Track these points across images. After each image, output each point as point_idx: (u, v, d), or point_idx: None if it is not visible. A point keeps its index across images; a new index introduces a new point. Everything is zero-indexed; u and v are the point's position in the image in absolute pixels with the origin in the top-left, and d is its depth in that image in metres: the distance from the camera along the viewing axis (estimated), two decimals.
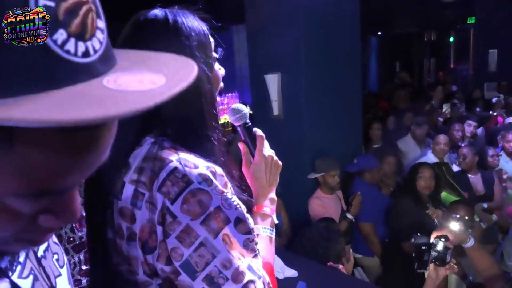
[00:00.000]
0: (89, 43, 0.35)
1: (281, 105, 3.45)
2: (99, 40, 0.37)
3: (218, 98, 0.94)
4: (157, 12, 0.86)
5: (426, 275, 1.91)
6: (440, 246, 1.80)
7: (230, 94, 9.56)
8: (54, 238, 0.63)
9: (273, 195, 1.04)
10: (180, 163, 0.75)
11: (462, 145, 4.14)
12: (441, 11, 9.26)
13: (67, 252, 1.16)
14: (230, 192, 0.80)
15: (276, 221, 1.03)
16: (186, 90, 0.88)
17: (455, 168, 3.90)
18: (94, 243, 0.90)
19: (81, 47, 0.35)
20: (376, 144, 4.29)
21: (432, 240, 1.83)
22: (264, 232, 0.97)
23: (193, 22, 0.86)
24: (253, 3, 3.65)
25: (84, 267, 1.02)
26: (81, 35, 0.35)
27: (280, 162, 1.05)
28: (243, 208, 0.81)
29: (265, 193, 1.02)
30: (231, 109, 1.02)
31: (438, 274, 1.82)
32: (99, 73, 0.36)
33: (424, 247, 1.82)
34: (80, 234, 1.23)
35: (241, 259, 0.76)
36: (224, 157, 0.88)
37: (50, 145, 0.34)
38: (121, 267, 0.85)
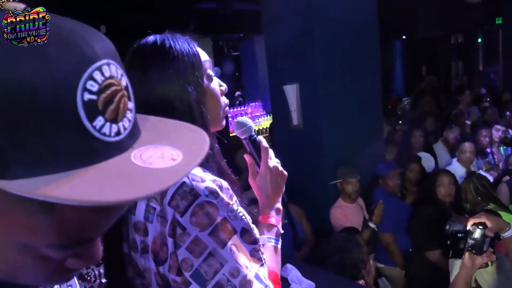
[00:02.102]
0: (120, 124, 0.40)
1: (301, 115, 3.47)
2: (128, 119, 0.42)
3: (228, 110, 0.97)
4: (149, 38, 0.92)
5: (458, 263, 1.80)
6: (477, 234, 1.68)
7: (253, 103, 9.59)
8: None
9: (279, 205, 1.06)
10: (188, 178, 0.80)
11: (489, 150, 4.01)
12: (467, 13, 9.03)
13: (87, 266, 1.22)
14: (235, 203, 0.83)
15: (282, 231, 1.05)
16: (175, 106, 0.92)
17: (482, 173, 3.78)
18: (111, 258, 0.95)
19: (114, 128, 0.40)
20: (418, 152, 4.14)
21: (469, 227, 1.72)
22: (269, 242, 1.00)
23: (181, 44, 0.90)
24: (270, 14, 3.70)
25: (104, 280, 1.07)
26: (115, 118, 0.40)
27: (285, 172, 1.07)
28: (249, 219, 0.85)
29: (270, 204, 1.04)
30: (236, 123, 1.04)
31: (474, 263, 1.72)
32: (127, 147, 0.41)
33: (460, 235, 1.71)
34: None
35: (248, 268, 0.80)
36: (219, 168, 0.92)
37: (86, 210, 0.39)
38: (135, 281, 0.90)
